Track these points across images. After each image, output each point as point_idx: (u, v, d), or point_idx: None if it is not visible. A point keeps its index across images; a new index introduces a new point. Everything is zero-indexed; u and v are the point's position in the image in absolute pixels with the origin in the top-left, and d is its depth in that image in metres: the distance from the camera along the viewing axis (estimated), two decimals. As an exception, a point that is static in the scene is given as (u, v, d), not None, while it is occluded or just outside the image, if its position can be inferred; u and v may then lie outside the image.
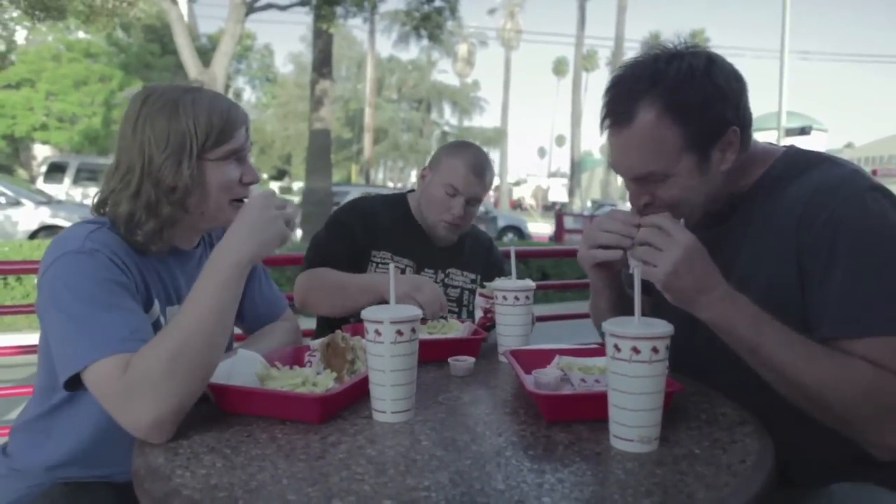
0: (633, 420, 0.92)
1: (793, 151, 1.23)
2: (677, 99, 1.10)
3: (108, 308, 1.01)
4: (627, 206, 1.26)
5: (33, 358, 1.24)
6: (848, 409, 1.02)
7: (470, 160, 1.85)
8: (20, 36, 19.31)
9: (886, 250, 1.05)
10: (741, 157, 1.18)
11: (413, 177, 43.21)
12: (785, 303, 1.11)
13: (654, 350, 0.91)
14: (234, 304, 1.05)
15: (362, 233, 1.86)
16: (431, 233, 1.90)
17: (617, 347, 0.92)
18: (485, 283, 1.64)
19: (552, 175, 61.29)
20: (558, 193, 46.35)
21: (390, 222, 1.91)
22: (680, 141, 1.11)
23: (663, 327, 0.93)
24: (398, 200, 1.99)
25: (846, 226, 1.06)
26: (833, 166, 1.16)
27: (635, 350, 0.91)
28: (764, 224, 1.17)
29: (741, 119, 1.15)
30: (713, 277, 1.05)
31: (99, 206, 1.17)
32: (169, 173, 1.12)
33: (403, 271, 1.86)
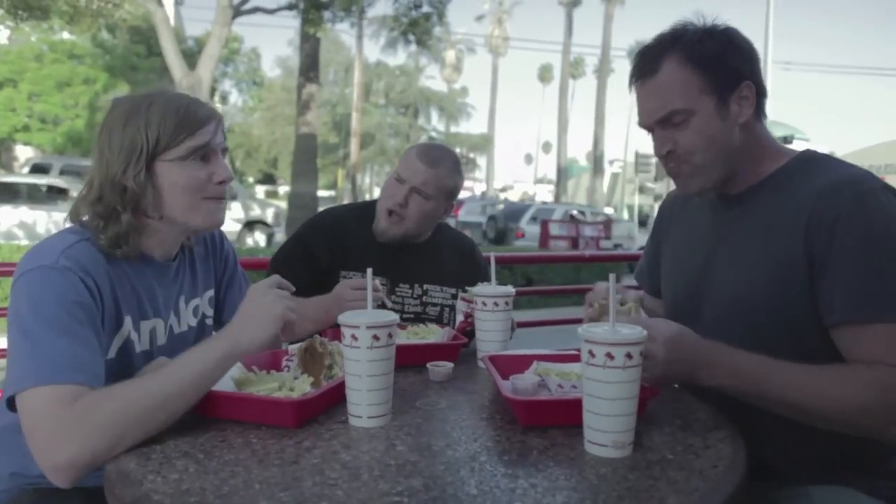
0: (607, 425, 0.93)
1: (808, 153, 1.26)
2: (696, 49, 1.20)
3: (62, 334, 0.99)
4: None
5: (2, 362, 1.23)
6: (869, 416, 1.03)
7: (422, 148, 1.78)
8: (2, 35, 19.09)
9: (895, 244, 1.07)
10: (758, 134, 1.25)
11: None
12: (791, 299, 1.13)
13: (629, 356, 0.92)
14: (211, 385, 1.04)
15: (328, 254, 1.77)
16: (376, 227, 1.79)
17: (591, 353, 0.93)
18: (467, 288, 1.63)
19: (538, 181, 61.41)
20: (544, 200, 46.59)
21: (360, 237, 1.80)
22: (700, 83, 1.19)
23: (637, 333, 0.94)
24: (367, 210, 1.84)
25: (856, 219, 1.08)
26: (845, 166, 1.20)
27: (609, 356, 0.91)
28: (774, 219, 1.19)
29: (756, 80, 1.22)
30: (701, 349, 1.06)
31: (71, 214, 1.17)
32: (122, 178, 1.12)
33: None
